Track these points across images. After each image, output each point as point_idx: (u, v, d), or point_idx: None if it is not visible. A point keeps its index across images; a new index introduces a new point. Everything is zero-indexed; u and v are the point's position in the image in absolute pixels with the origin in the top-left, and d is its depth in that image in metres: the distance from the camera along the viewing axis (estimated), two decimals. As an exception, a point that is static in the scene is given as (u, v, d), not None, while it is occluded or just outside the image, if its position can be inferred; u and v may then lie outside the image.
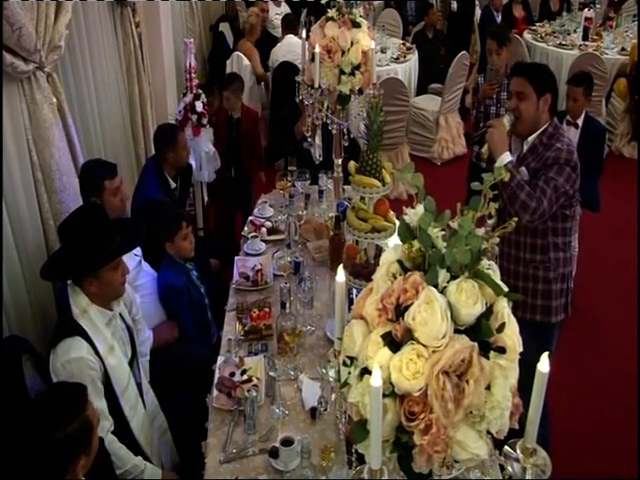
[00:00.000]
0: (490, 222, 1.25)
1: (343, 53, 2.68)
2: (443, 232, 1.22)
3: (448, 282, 1.17)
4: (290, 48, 5.78)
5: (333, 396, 1.57)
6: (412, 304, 1.15)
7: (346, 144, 3.03)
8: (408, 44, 6.82)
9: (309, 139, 3.45)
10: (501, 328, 1.16)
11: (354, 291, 2.38)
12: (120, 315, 2.46)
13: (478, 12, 7.94)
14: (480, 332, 1.15)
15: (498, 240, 1.24)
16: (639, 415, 3.37)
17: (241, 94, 4.73)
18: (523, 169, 2.65)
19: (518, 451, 1.26)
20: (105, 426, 2.23)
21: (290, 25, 6.06)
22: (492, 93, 4.13)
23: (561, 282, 2.78)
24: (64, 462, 1.63)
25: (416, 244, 1.22)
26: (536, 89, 2.62)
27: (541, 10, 8.14)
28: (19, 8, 2.42)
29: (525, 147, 2.71)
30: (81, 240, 2.27)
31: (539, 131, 2.66)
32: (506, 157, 2.58)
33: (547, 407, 2.89)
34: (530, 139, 2.68)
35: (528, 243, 2.72)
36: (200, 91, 4.45)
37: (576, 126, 4.07)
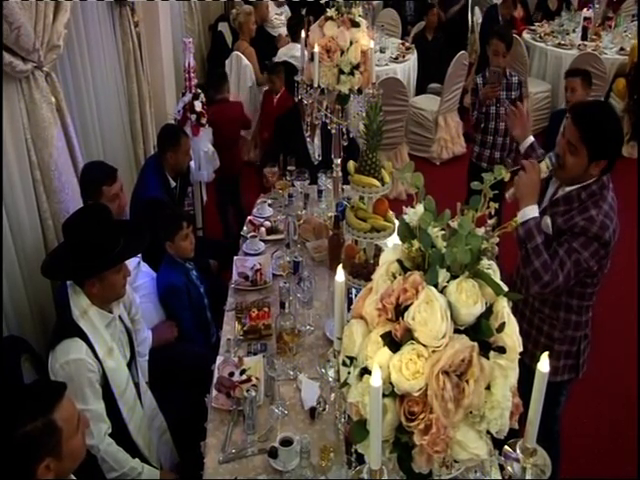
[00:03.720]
0: (490, 222, 1.25)
1: (342, 53, 2.67)
2: (443, 232, 1.22)
3: (448, 282, 1.16)
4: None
5: (332, 396, 1.57)
6: (412, 304, 1.15)
7: (345, 144, 3.03)
8: (407, 44, 6.82)
9: (309, 139, 3.44)
10: (501, 328, 1.16)
11: (353, 291, 2.37)
12: (119, 317, 2.45)
13: (477, 11, 7.93)
14: (480, 332, 1.15)
15: (498, 240, 1.24)
16: (639, 415, 3.37)
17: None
18: (547, 220, 2.34)
19: (518, 451, 1.26)
20: (102, 428, 2.23)
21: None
22: (494, 95, 4.13)
23: (568, 344, 2.49)
24: (24, 460, 1.63)
25: (416, 244, 1.22)
26: (590, 154, 2.23)
27: (538, 10, 8.12)
28: (18, 7, 2.42)
29: (560, 192, 2.38)
30: (86, 241, 2.26)
31: (581, 185, 2.31)
32: (531, 211, 2.23)
33: (558, 438, 2.74)
34: (568, 188, 2.34)
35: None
36: (199, 91, 4.45)
37: None
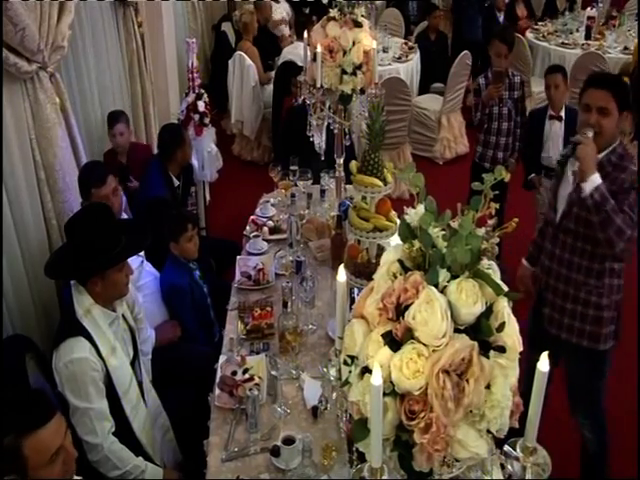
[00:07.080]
0: (491, 222, 1.25)
1: (345, 53, 2.68)
2: (443, 232, 1.22)
3: (448, 281, 1.17)
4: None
5: (334, 395, 1.57)
6: (412, 303, 1.16)
7: (347, 144, 3.03)
8: (410, 43, 6.81)
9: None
10: (501, 327, 1.17)
11: (355, 290, 2.38)
12: (122, 316, 2.46)
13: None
14: (480, 331, 1.16)
15: (498, 240, 1.24)
16: (639, 414, 3.37)
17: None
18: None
19: (518, 450, 1.27)
20: (106, 427, 2.24)
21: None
22: (498, 95, 4.13)
23: (614, 310, 2.61)
24: None
25: (417, 244, 1.22)
26: (619, 105, 2.47)
27: (545, 8, 8.10)
28: (22, 9, 2.43)
29: None
30: (88, 240, 2.27)
31: (609, 150, 2.50)
32: (597, 178, 2.36)
33: (604, 414, 2.79)
34: (599, 156, 2.48)
35: (584, 266, 2.56)
36: (202, 91, 4.46)
37: (560, 119, 4.06)
